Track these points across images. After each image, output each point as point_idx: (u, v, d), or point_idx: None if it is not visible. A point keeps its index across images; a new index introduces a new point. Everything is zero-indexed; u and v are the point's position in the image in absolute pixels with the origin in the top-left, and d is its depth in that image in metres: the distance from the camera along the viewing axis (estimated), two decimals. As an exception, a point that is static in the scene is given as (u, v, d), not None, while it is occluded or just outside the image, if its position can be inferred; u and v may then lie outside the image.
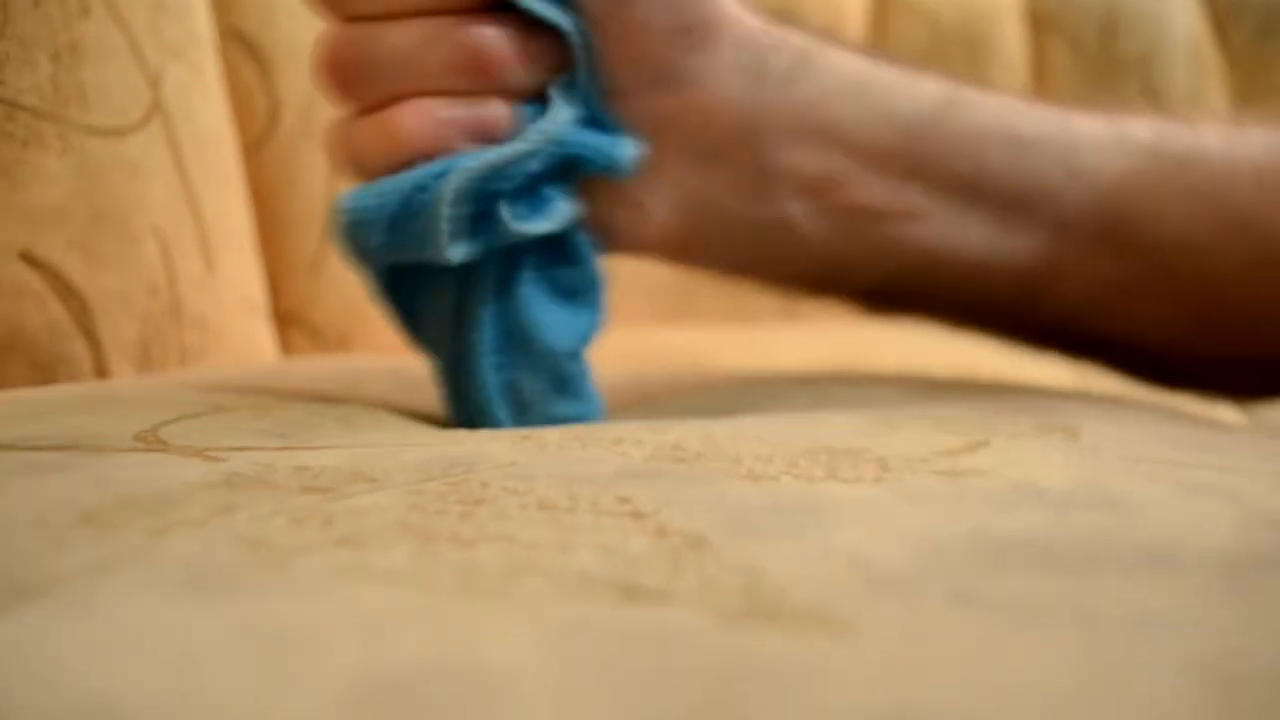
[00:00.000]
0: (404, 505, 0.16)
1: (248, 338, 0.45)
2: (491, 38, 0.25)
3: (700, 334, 0.64)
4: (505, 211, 0.24)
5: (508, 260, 0.25)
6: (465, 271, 0.25)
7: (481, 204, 0.24)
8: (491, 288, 0.25)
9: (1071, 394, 0.33)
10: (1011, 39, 0.93)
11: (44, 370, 0.34)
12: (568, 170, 0.25)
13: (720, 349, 0.57)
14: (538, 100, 0.25)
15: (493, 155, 0.24)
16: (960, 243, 0.29)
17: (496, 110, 0.25)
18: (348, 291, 0.55)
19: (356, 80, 0.25)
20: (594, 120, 0.26)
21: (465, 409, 0.26)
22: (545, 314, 0.26)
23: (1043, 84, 0.92)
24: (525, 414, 0.26)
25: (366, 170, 0.25)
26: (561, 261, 0.26)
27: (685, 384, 0.33)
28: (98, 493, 0.17)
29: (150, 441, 0.21)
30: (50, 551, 0.14)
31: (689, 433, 0.22)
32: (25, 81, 0.34)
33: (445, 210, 0.23)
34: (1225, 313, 0.31)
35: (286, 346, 0.52)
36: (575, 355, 0.26)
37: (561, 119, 0.25)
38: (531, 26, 0.25)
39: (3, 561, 0.14)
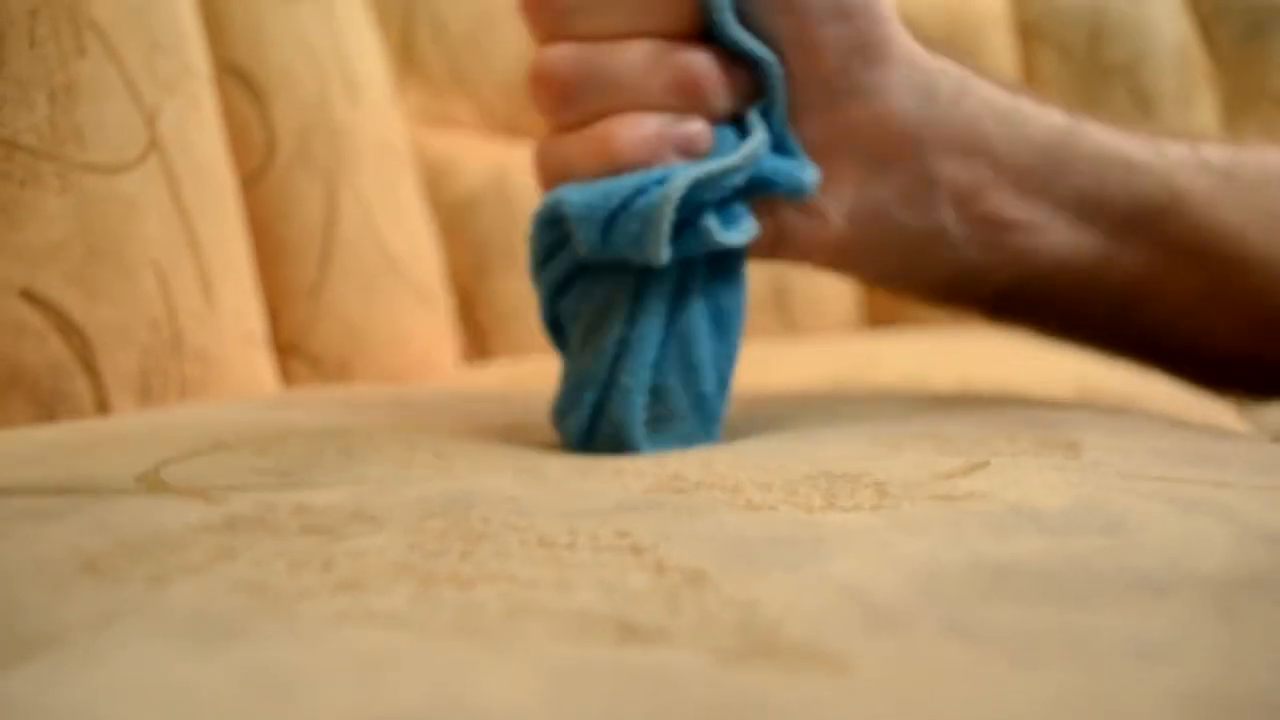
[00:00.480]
0: (404, 545, 0.16)
1: (248, 369, 0.45)
2: (701, 63, 0.27)
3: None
4: (712, 221, 0.26)
5: (682, 275, 0.27)
6: (642, 278, 0.26)
7: (684, 214, 0.26)
8: (664, 298, 0.26)
9: (1072, 405, 0.33)
10: (1000, 48, 0.93)
11: (45, 407, 0.34)
12: (754, 190, 0.27)
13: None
14: (732, 123, 0.28)
15: (712, 166, 0.26)
16: (1074, 254, 0.32)
17: (702, 129, 0.27)
18: (346, 319, 0.55)
19: (573, 95, 0.27)
20: (781, 147, 0.28)
21: (594, 417, 0.26)
22: (705, 335, 0.27)
23: (1033, 91, 0.92)
24: (661, 427, 0.26)
25: (574, 180, 0.27)
26: (723, 284, 0.27)
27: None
28: (100, 539, 0.17)
29: (151, 483, 0.21)
30: (54, 602, 0.14)
31: (689, 462, 0.22)
32: (23, 121, 0.35)
33: (667, 213, 0.25)
34: None
35: (287, 376, 0.52)
36: (720, 377, 0.27)
37: (761, 140, 0.27)
38: (732, 55, 0.27)
39: (7, 613, 0.14)
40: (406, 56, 0.76)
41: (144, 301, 0.38)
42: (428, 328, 0.62)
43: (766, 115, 0.28)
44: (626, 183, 0.26)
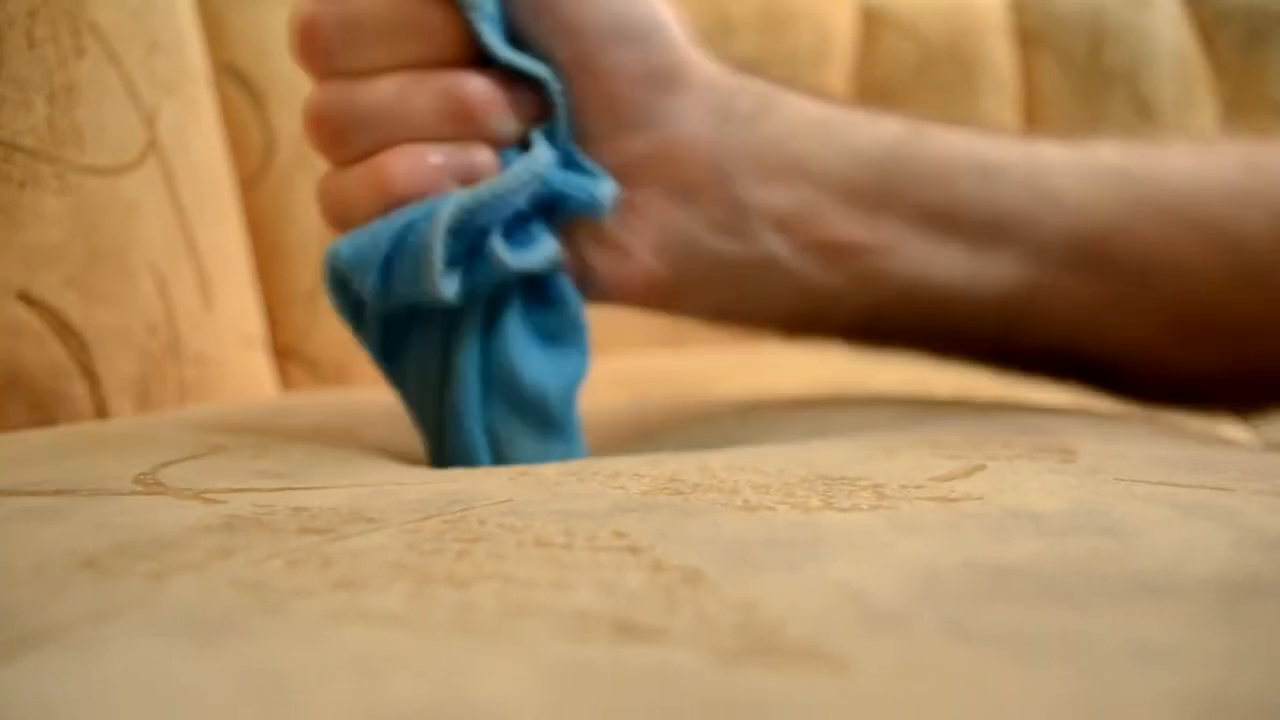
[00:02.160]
0: (401, 545, 0.16)
1: (247, 372, 0.45)
2: (476, 87, 0.26)
3: (699, 358, 0.65)
4: (497, 245, 0.25)
5: (493, 305, 0.26)
6: (451, 316, 0.25)
7: (470, 242, 0.25)
8: (477, 332, 0.25)
9: (1069, 412, 0.33)
10: (1000, 55, 0.93)
11: (43, 410, 0.34)
12: (550, 212, 0.26)
13: (719, 373, 0.57)
14: (518, 148, 0.26)
15: (481, 190, 0.24)
16: (937, 272, 0.29)
17: (481, 155, 0.26)
18: (346, 323, 0.55)
19: (344, 132, 0.26)
20: (572, 165, 0.27)
21: (449, 455, 0.26)
22: (530, 357, 0.26)
23: (1032, 98, 0.93)
24: (506, 458, 0.26)
25: (354, 220, 0.26)
26: (545, 305, 0.26)
27: (683, 416, 0.33)
28: (98, 538, 0.17)
29: (149, 484, 0.21)
30: (51, 598, 0.14)
31: (686, 464, 0.22)
32: (22, 123, 0.35)
33: (437, 245, 0.24)
34: (1209, 328, 0.31)
35: (285, 380, 0.52)
36: (560, 399, 0.26)
37: (543, 158, 0.26)
38: (510, 77, 0.26)
39: (4, 609, 0.14)
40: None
41: (142, 304, 0.38)
42: (426, 332, 0.62)
43: (552, 134, 0.26)
44: (394, 222, 0.24)
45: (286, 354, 0.53)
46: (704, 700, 0.11)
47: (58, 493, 0.20)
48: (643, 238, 0.28)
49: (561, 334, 0.26)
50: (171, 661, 0.12)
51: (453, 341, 0.25)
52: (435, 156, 0.25)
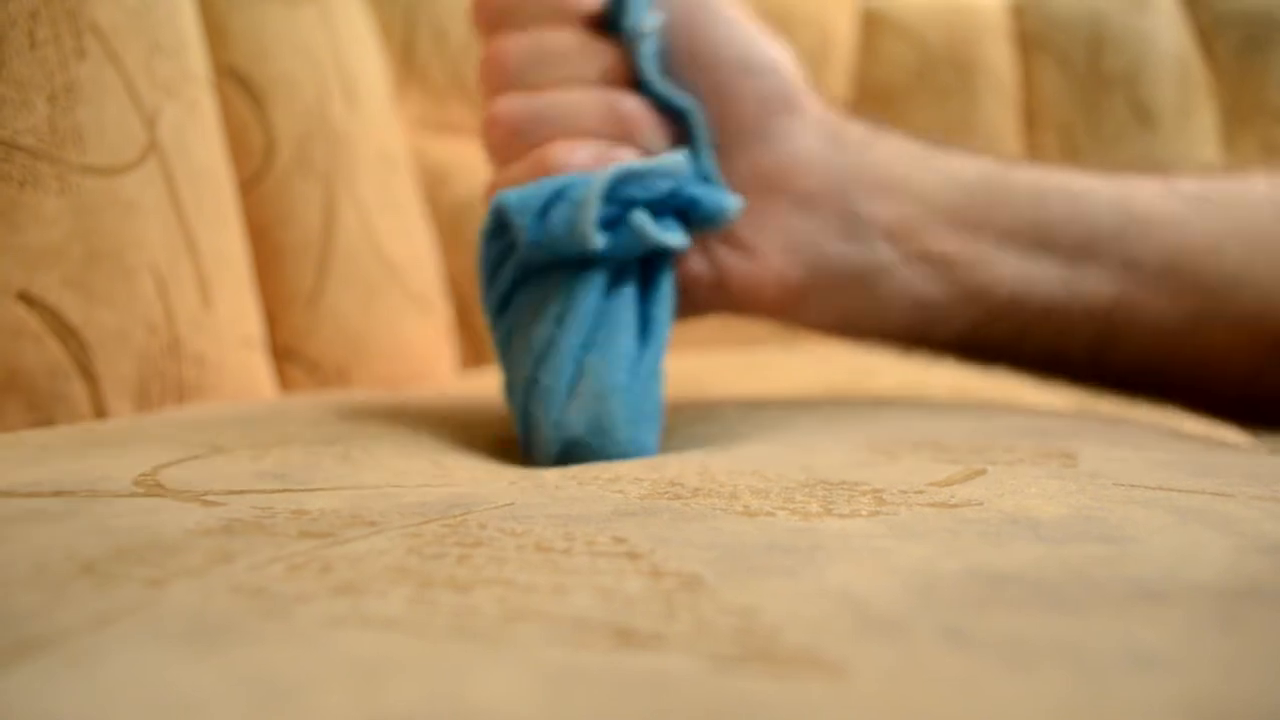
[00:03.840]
0: (402, 548, 0.16)
1: (246, 373, 0.45)
2: (632, 105, 0.30)
3: (699, 359, 0.65)
4: (641, 218, 0.28)
5: (613, 281, 0.28)
6: (573, 281, 0.28)
7: (616, 214, 0.28)
8: (594, 299, 0.28)
9: (1070, 416, 0.33)
10: (1000, 59, 0.93)
11: (42, 410, 0.34)
12: (683, 217, 0.29)
13: (721, 375, 0.57)
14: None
15: (634, 164, 0.28)
16: (1033, 286, 0.32)
17: (628, 154, 0.30)
18: (344, 325, 0.55)
19: (520, 133, 0.30)
20: (705, 181, 0.31)
21: (524, 419, 0.27)
22: (632, 337, 0.28)
23: (1031, 102, 0.93)
24: (596, 448, 0.26)
25: None
26: (653, 296, 0.29)
27: (684, 418, 0.33)
28: (97, 541, 0.17)
29: (149, 486, 0.21)
30: (51, 604, 0.14)
31: (686, 469, 0.22)
32: (22, 123, 0.35)
33: (595, 198, 0.27)
34: None
35: (284, 381, 0.52)
36: (644, 384, 0.28)
37: (683, 159, 0.29)
38: (659, 107, 0.31)
39: (3, 614, 0.14)
40: (407, 63, 0.76)
41: (142, 305, 0.38)
42: (426, 334, 0.62)
43: (692, 158, 0.30)
44: (559, 179, 0.28)
45: (285, 356, 0.53)
46: (701, 706, 0.11)
47: (56, 494, 0.20)
48: (771, 240, 0.32)
49: (659, 325, 0.29)
50: (172, 668, 0.12)
51: (567, 308, 0.28)
52: (592, 148, 0.29)
